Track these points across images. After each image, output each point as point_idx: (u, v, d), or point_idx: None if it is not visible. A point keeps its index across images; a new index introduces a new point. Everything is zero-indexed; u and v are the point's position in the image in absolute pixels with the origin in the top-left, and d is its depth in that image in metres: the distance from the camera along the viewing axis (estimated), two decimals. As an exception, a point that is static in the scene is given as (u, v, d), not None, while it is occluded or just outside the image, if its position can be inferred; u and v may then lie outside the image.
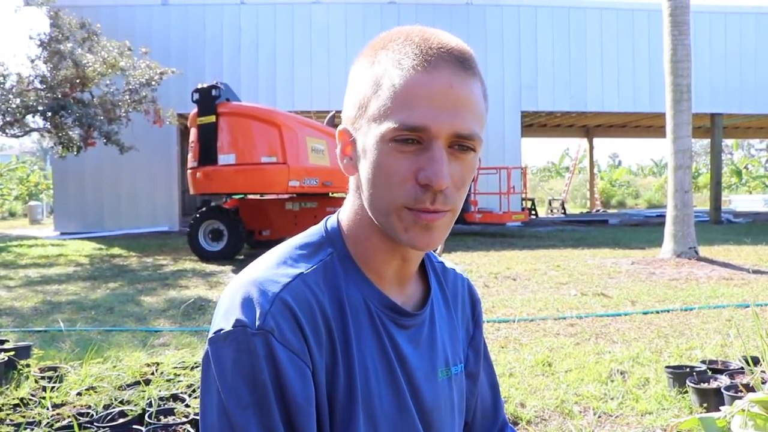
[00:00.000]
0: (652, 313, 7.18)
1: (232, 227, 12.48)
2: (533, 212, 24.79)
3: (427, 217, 0.92)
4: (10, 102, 14.36)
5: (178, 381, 4.18)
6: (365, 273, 1.01)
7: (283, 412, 0.88)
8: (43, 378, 4.34)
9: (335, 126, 13.45)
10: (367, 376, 0.97)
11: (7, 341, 5.37)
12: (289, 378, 0.88)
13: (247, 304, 0.90)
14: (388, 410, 0.98)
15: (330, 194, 13.51)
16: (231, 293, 0.94)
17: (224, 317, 0.91)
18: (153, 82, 15.52)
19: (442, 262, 1.22)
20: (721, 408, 3.11)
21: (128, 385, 4.09)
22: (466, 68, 0.91)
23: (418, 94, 0.89)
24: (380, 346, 1.00)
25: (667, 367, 4.67)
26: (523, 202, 21.06)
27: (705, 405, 3.93)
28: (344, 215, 1.04)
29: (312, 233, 1.04)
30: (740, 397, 3.37)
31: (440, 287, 1.16)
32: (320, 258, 0.99)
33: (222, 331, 0.90)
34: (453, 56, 0.91)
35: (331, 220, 1.06)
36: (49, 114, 14.39)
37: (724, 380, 4.10)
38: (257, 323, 0.88)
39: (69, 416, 3.51)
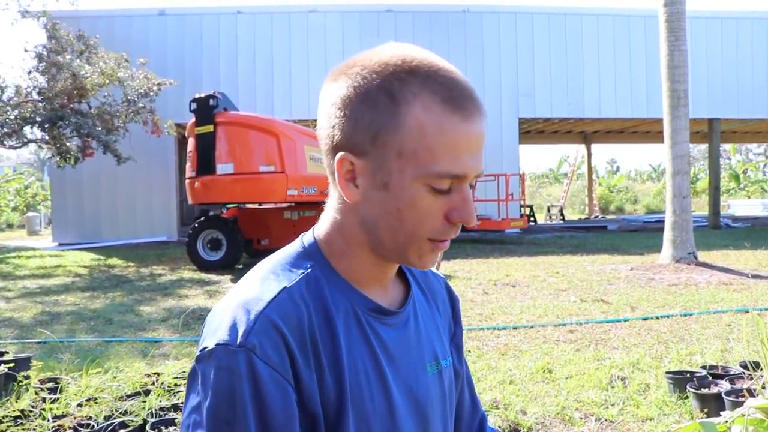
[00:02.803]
0: (651, 318, 7.18)
1: (230, 237, 12.47)
2: (532, 219, 24.79)
3: (443, 246, 1.00)
4: (8, 113, 14.38)
5: (179, 391, 4.18)
6: (346, 280, 1.04)
7: (262, 430, 0.89)
8: (43, 389, 4.34)
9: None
10: (358, 379, 0.99)
11: (7, 353, 5.36)
12: (270, 395, 0.89)
13: (231, 323, 0.92)
14: (380, 409, 1.00)
15: (328, 203, 13.50)
16: (218, 313, 0.96)
17: (209, 337, 0.93)
18: (151, 93, 15.53)
19: None
20: (721, 413, 3.12)
21: (129, 396, 4.09)
22: (484, 111, 0.98)
23: (459, 144, 0.94)
24: (369, 347, 1.02)
25: (668, 372, 4.67)
26: (522, 208, 21.05)
27: (706, 410, 3.93)
28: (323, 231, 1.06)
29: (290, 249, 1.06)
30: (741, 403, 3.37)
31: (418, 285, 1.19)
32: (301, 270, 1.01)
33: (206, 350, 0.91)
34: (477, 100, 0.96)
35: (307, 237, 1.07)
36: (47, 125, 14.40)
37: (724, 385, 4.11)
38: (239, 341, 0.90)
39: (70, 428, 3.51)
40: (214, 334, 0.92)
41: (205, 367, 0.91)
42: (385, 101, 0.94)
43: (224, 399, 0.88)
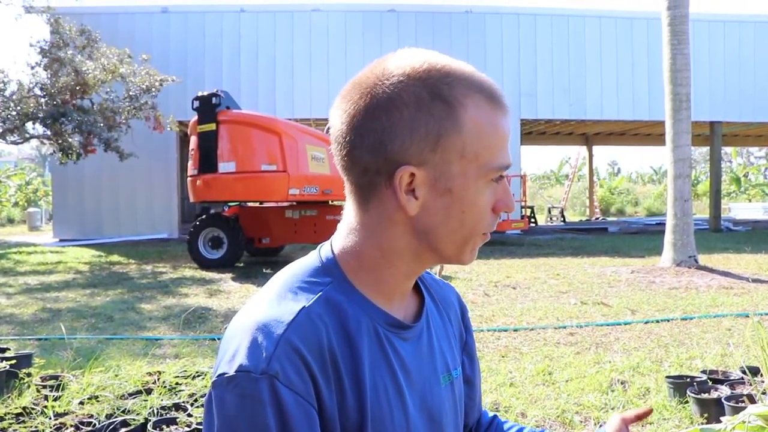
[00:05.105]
0: (652, 322, 7.19)
1: (231, 235, 12.48)
2: (533, 220, 24.80)
3: (488, 237, 1.04)
4: (10, 109, 14.38)
5: (180, 390, 4.19)
6: (366, 295, 1.02)
7: None
8: (44, 387, 4.35)
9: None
10: (378, 397, 0.98)
11: (8, 350, 5.37)
12: (296, 421, 0.88)
13: (251, 347, 0.90)
14: (398, 426, 1.00)
15: (330, 202, 13.52)
16: (237, 336, 0.93)
17: (228, 362, 0.90)
18: (153, 89, 15.54)
19: (428, 272, 1.24)
20: (721, 419, 3.12)
21: (130, 394, 4.10)
22: None
23: (505, 137, 1.00)
24: (388, 364, 1.01)
25: (668, 376, 4.68)
26: (523, 210, 21.06)
27: (705, 415, 3.94)
28: (348, 245, 1.03)
29: (307, 262, 1.04)
30: (741, 408, 3.38)
31: (431, 296, 1.19)
32: (320, 288, 0.99)
33: (225, 376, 0.89)
34: (504, 97, 1.01)
35: (324, 250, 1.05)
36: (49, 121, 14.41)
37: (724, 390, 4.11)
38: (261, 367, 0.87)
39: (71, 425, 3.51)
40: (233, 359, 0.90)
41: (225, 394, 0.89)
42: (440, 106, 0.95)
43: (248, 427, 0.87)
